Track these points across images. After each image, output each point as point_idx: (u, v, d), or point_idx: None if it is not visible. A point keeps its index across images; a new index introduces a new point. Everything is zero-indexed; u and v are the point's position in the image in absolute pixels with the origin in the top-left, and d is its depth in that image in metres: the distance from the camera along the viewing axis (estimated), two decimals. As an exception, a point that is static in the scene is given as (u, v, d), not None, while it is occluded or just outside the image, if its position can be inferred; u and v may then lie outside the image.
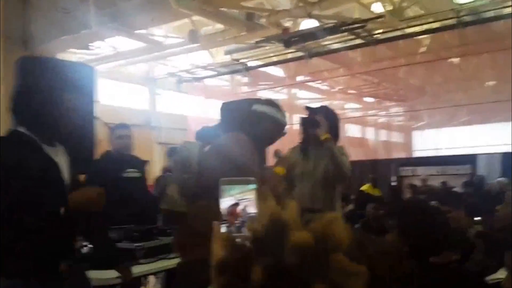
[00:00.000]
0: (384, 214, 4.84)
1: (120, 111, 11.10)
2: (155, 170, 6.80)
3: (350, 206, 6.86)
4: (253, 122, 2.54)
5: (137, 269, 2.64)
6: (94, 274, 2.54)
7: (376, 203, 5.09)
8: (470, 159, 9.10)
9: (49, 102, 2.19)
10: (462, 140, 18.25)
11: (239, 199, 0.96)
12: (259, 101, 2.72)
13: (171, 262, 2.82)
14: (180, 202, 2.39)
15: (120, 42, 9.73)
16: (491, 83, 12.85)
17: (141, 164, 3.67)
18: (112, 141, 3.59)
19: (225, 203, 0.94)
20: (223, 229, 0.93)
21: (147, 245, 2.77)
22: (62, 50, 8.35)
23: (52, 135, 2.09)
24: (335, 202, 3.19)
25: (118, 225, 2.98)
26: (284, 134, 2.66)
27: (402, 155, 17.94)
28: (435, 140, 20.15)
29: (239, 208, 0.95)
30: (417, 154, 18.82)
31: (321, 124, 3.02)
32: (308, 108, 3.26)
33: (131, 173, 3.50)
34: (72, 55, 9.19)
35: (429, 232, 1.83)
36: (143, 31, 8.98)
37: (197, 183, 2.38)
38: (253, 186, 0.96)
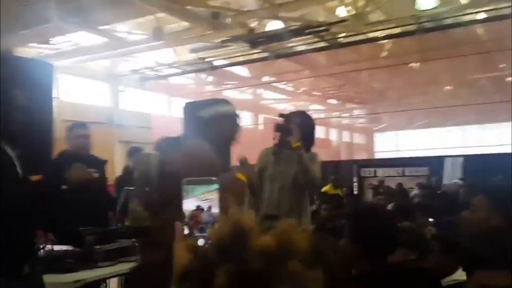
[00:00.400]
0: (336, 214, 4.93)
1: (81, 108, 10.85)
2: (117, 169, 6.68)
3: (314, 207, 6.93)
4: (207, 126, 2.48)
5: (95, 273, 2.59)
6: (51, 278, 2.47)
7: (330, 203, 5.15)
8: (428, 161, 9.41)
9: None
10: (421, 142, 18.85)
11: (202, 199, 0.96)
12: (203, 103, 2.61)
13: (131, 265, 2.79)
14: (144, 217, 2.37)
15: (82, 37, 9.49)
16: (448, 88, 13.30)
17: (99, 164, 3.59)
18: (69, 140, 3.49)
19: (188, 205, 0.94)
20: (186, 231, 0.93)
21: (106, 248, 2.72)
22: (22, 45, 8.10)
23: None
24: (302, 206, 3.23)
25: (77, 227, 2.91)
26: (238, 126, 2.54)
27: (364, 156, 18.34)
28: (395, 142, 20.75)
29: (202, 211, 0.96)
30: (378, 155, 19.27)
31: (294, 132, 3.04)
32: (282, 115, 3.27)
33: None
34: (32, 49, 8.92)
35: (377, 232, 1.88)
36: (106, 27, 8.80)
37: (159, 196, 2.37)
38: (215, 186, 0.96)
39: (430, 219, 3.66)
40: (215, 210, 0.94)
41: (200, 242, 0.91)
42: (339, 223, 4.64)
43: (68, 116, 9.71)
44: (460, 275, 2.06)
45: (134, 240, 2.92)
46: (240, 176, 2.36)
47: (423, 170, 8.85)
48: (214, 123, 2.39)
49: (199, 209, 0.95)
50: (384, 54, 10.84)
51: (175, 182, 2.31)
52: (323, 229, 4.76)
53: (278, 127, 3.19)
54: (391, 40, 9.76)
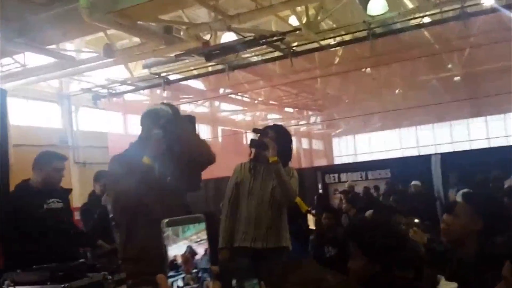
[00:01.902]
0: (336, 225, 4.93)
1: (31, 130, 10.40)
2: (76, 192, 6.38)
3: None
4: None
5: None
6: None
7: (330, 213, 5.18)
8: (388, 163, 9.60)
9: None
10: (377, 144, 19.32)
11: (196, 241, 0.84)
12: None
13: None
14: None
15: (29, 58, 9.10)
16: (400, 90, 13.68)
17: (64, 193, 3.39)
18: (42, 170, 3.22)
19: (176, 249, 0.82)
20: (180, 282, 0.81)
21: (75, 285, 2.53)
22: (-37, 68, 7.66)
23: None
24: (282, 222, 3.19)
25: (41, 263, 2.71)
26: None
27: (324, 162, 18.55)
28: (353, 146, 21.16)
29: (195, 253, 0.84)
30: (338, 160, 19.55)
31: (270, 146, 3.00)
32: (256, 130, 3.25)
33: (54, 203, 3.21)
34: (-26, 73, 8.46)
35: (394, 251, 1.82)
36: (53, 46, 8.47)
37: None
38: (203, 223, 0.85)
39: (416, 220, 3.66)
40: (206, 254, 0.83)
41: None
42: (339, 233, 4.63)
43: (18, 140, 9.27)
44: (445, 284, 2.01)
45: (105, 273, 2.75)
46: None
47: (385, 173, 9.01)
48: (141, 125, 2.57)
49: (190, 252, 0.83)
50: (337, 60, 11.02)
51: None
52: (323, 238, 4.75)
53: (254, 143, 3.19)
54: (343, 47, 9.94)
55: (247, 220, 3.14)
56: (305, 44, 9.27)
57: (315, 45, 9.25)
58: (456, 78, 12.62)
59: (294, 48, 9.15)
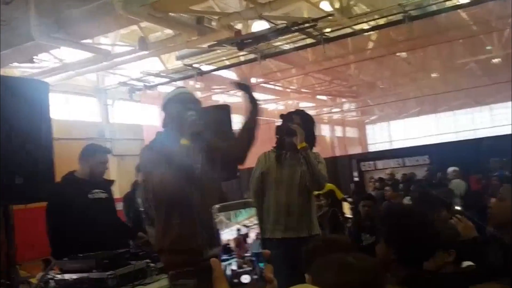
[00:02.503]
0: (374, 212, 4.87)
1: (70, 125, 10.67)
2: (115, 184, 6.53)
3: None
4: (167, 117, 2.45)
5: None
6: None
7: (368, 201, 5.10)
8: (427, 150, 9.36)
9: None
10: (413, 131, 18.87)
11: (248, 225, 0.84)
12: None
13: (147, 288, 2.66)
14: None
15: (65, 53, 9.31)
16: (437, 74, 13.31)
17: (107, 184, 3.47)
18: (88, 163, 3.32)
19: (229, 234, 0.81)
20: (233, 265, 0.81)
21: (120, 272, 2.58)
22: (4, 65, 7.88)
23: None
24: (312, 208, 3.15)
25: (86, 251, 2.78)
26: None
27: (358, 150, 18.29)
28: (388, 133, 20.76)
29: (246, 236, 0.83)
30: (372, 147, 19.25)
31: (298, 132, 2.94)
32: (283, 116, 3.18)
33: (98, 193, 3.30)
34: (15, 69, 8.72)
35: (415, 238, 1.79)
36: (89, 41, 8.63)
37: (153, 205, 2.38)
38: (253, 209, 0.84)
39: (458, 208, 3.54)
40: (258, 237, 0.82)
41: (245, 279, 0.79)
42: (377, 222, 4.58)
43: (58, 134, 9.52)
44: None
45: (148, 261, 2.79)
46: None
47: (423, 159, 8.79)
48: (166, 112, 2.41)
49: (240, 235, 0.82)
50: (371, 45, 10.79)
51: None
52: (361, 226, 4.71)
53: (281, 129, 3.12)
54: (377, 31, 9.72)
55: (277, 210, 3.07)
56: (338, 29, 9.10)
57: (348, 30, 9.09)
58: (495, 60, 12.16)
59: (326, 34, 9.00)
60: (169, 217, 2.25)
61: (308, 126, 3.12)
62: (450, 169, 7.92)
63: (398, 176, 8.64)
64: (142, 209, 3.58)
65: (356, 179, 9.26)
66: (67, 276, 2.59)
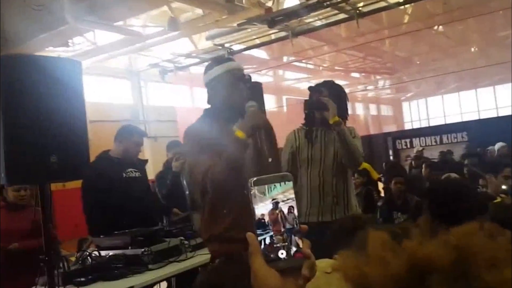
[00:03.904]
0: (406, 190, 4.74)
1: (104, 107, 10.85)
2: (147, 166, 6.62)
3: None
4: (212, 91, 2.23)
5: (146, 277, 2.47)
6: (101, 287, 2.37)
7: (399, 178, 4.95)
8: (465, 126, 9.04)
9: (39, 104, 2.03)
10: (452, 107, 18.31)
11: (283, 199, 0.80)
12: (205, 69, 2.33)
13: (182, 265, 2.67)
14: None
15: (99, 36, 9.42)
16: (476, 48, 12.80)
17: (141, 164, 3.50)
18: (124, 143, 3.34)
19: (263, 208, 0.78)
20: (267, 239, 0.77)
21: (155, 249, 2.60)
22: (40, 49, 8.04)
23: None
24: (349, 188, 2.91)
25: (122, 228, 2.81)
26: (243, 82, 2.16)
27: (393, 128, 17.91)
28: (425, 110, 20.24)
29: (282, 211, 0.80)
30: (408, 125, 18.81)
31: (329, 106, 2.69)
32: (311, 88, 2.91)
33: (132, 172, 3.33)
34: (51, 53, 8.87)
35: (463, 211, 1.71)
36: (120, 23, 8.69)
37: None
38: (290, 183, 0.80)
39: (504, 186, 3.36)
40: (295, 212, 0.79)
41: (281, 254, 0.75)
42: (410, 198, 4.47)
43: (93, 116, 9.71)
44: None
45: (182, 238, 2.80)
46: (239, 133, 1.98)
47: (461, 136, 8.49)
48: (213, 90, 2.20)
49: (276, 208, 0.79)
50: (406, 19, 10.43)
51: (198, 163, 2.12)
52: (393, 204, 4.59)
53: (310, 103, 2.82)
54: (413, 4, 9.38)
55: (311, 192, 2.83)
56: (372, 3, 8.82)
57: (383, 4, 8.79)
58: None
59: (360, 8, 8.75)
60: (219, 206, 2.09)
61: (339, 98, 2.86)
62: (499, 144, 7.53)
63: (428, 154, 8.37)
64: (187, 192, 3.54)
65: (391, 157, 9.05)
66: (103, 253, 2.63)
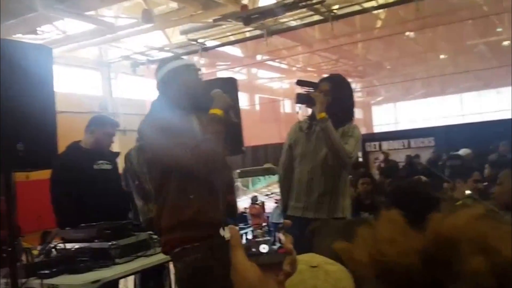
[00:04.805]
0: (374, 191, 4.80)
1: (73, 98, 10.58)
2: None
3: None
4: (164, 86, 2.31)
5: (113, 271, 2.42)
6: (67, 280, 2.31)
7: (366, 179, 4.99)
8: (432, 132, 9.27)
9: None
10: (420, 113, 18.72)
11: (266, 193, 0.80)
12: (158, 65, 2.46)
13: (150, 260, 2.62)
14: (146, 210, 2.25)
15: (69, 25, 9.18)
16: (446, 55, 13.12)
17: (112, 156, 3.42)
18: (94, 134, 3.25)
19: (246, 202, 0.77)
20: (249, 235, 0.77)
21: (122, 243, 2.55)
22: (7, 36, 7.76)
23: None
24: (339, 189, 2.77)
25: (92, 221, 2.74)
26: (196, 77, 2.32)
27: (363, 131, 18.11)
28: (394, 115, 20.63)
29: (262, 204, 0.79)
30: (377, 129, 19.13)
31: (317, 100, 2.61)
32: (299, 82, 2.79)
33: (103, 164, 3.25)
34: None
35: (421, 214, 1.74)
36: (92, 12, 8.50)
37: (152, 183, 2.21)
38: (274, 176, 0.80)
39: (467, 191, 3.42)
40: (278, 207, 0.79)
41: (263, 248, 0.75)
42: (376, 198, 4.52)
43: (60, 107, 9.44)
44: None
45: (151, 232, 2.75)
46: (216, 111, 2.10)
47: (429, 141, 8.70)
48: (169, 81, 2.27)
49: (256, 202, 0.78)
50: (379, 24, 10.61)
51: (157, 165, 2.17)
52: (360, 205, 4.62)
53: (299, 98, 2.71)
54: (386, 9, 9.54)
55: (298, 187, 2.77)
56: (347, 6, 8.94)
57: (357, 7, 8.92)
58: (506, 43, 11.97)
59: (335, 11, 8.84)
60: (183, 192, 2.09)
61: (340, 93, 2.74)
62: (464, 150, 7.70)
63: (396, 157, 8.54)
64: (137, 182, 3.38)
65: (360, 159, 9.20)
66: (69, 246, 2.56)
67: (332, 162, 2.70)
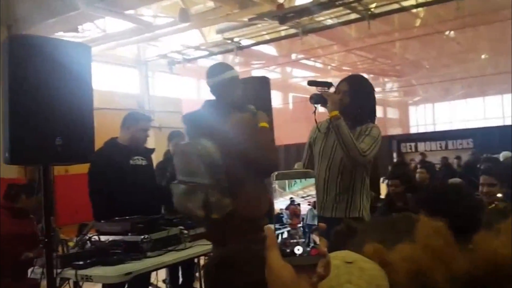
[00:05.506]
0: (405, 192, 4.69)
1: (111, 95, 10.86)
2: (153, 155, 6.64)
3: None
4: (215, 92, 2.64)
5: (145, 264, 2.48)
6: (100, 271, 2.38)
7: (395, 180, 4.87)
8: (471, 133, 8.97)
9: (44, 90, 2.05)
10: (459, 114, 18.22)
11: (302, 196, 0.81)
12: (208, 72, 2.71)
13: (180, 255, 2.67)
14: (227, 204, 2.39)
15: (109, 24, 9.42)
16: (487, 55, 12.72)
17: (147, 152, 3.50)
18: (129, 130, 3.34)
19: (282, 203, 0.79)
20: (285, 234, 0.78)
21: (154, 237, 2.60)
22: (49, 33, 8.04)
23: None
24: (355, 187, 2.76)
25: (126, 215, 2.82)
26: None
27: (399, 131, 17.81)
28: (432, 115, 20.15)
29: (300, 207, 0.80)
30: (414, 129, 18.74)
31: (328, 99, 2.63)
32: (311, 82, 2.79)
33: (138, 160, 3.33)
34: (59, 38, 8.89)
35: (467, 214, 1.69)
36: (131, 11, 8.68)
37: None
38: (311, 179, 0.81)
39: (499, 194, 3.30)
40: (314, 210, 0.80)
41: (298, 250, 0.75)
42: (406, 199, 4.43)
43: (99, 103, 9.69)
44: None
45: (182, 228, 2.80)
46: (264, 124, 2.47)
47: (467, 143, 8.43)
48: (224, 86, 2.58)
49: (294, 204, 0.79)
50: (417, 23, 10.38)
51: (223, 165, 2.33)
52: (391, 207, 4.54)
53: (313, 97, 2.73)
54: (425, 8, 9.33)
55: (317, 185, 2.80)
56: (385, 5, 8.78)
57: (395, 6, 8.75)
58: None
59: (372, 9, 8.71)
60: (263, 187, 2.43)
61: (359, 93, 2.75)
62: (504, 153, 7.46)
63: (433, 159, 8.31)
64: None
65: (395, 160, 9.02)
66: (103, 238, 2.64)
67: (345, 159, 2.69)
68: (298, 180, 0.78)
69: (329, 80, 3.02)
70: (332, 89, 2.81)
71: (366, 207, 2.82)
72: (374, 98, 2.91)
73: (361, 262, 0.91)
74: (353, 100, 2.71)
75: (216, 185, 2.32)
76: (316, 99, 2.73)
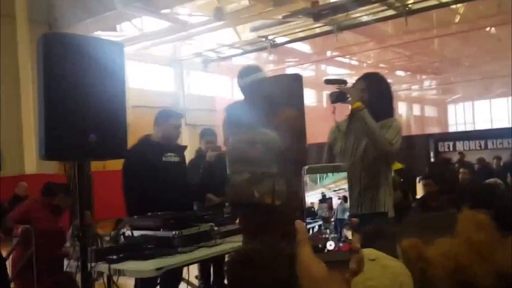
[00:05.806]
0: (439, 192, 4.58)
1: (146, 93, 11.05)
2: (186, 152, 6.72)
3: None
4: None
5: (176, 259, 2.50)
6: (132, 265, 2.41)
7: (429, 180, 4.77)
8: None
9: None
10: (499, 112, 17.60)
11: (334, 189, 0.78)
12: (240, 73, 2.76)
13: (211, 251, 2.68)
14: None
15: (145, 23, 9.59)
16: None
17: (180, 149, 3.53)
18: (162, 127, 3.40)
19: (313, 197, 0.77)
20: (316, 228, 0.76)
21: (185, 233, 2.63)
22: (88, 33, 8.25)
23: None
24: (380, 185, 2.72)
25: (158, 210, 2.85)
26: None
27: (436, 130, 17.38)
28: (471, 113, 19.54)
29: (332, 202, 0.78)
30: (452, 128, 18.23)
31: (348, 93, 2.64)
32: (327, 80, 2.82)
33: (171, 157, 3.37)
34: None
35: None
36: (167, 10, 8.81)
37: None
38: (343, 173, 0.78)
39: None
40: (346, 204, 0.77)
41: (330, 245, 0.73)
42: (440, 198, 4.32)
43: (134, 101, 9.90)
44: None
45: (212, 224, 2.81)
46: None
47: (508, 142, 8.12)
48: (255, 88, 2.64)
49: (326, 198, 0.77)
50: (457, 19, 10.09)
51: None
52: (426, 206, 4.44)
53: (332, 96, 2.71)
54: (465, 3, 9.06)
55: None
56: (423, 1, 8.58)
57: (434, 2, 8.54)
58: None
59: (409, 5, 8.53)
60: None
61: (377, 89, 2.73)
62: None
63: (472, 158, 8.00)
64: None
65: (432, 159, 8.79)
66: (135, 233, 2.68)
67: (373, 153, 2.64)
68: (330, 174, 0.76)
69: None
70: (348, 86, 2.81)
71: (390, 205, 2.79)
72: (391, 93, 2.90)
73: (384, 259, 0.89)
74: (372, 97, 2.67)
75: (282, 174, 2.36)
76: (336, 96, 2.73)
